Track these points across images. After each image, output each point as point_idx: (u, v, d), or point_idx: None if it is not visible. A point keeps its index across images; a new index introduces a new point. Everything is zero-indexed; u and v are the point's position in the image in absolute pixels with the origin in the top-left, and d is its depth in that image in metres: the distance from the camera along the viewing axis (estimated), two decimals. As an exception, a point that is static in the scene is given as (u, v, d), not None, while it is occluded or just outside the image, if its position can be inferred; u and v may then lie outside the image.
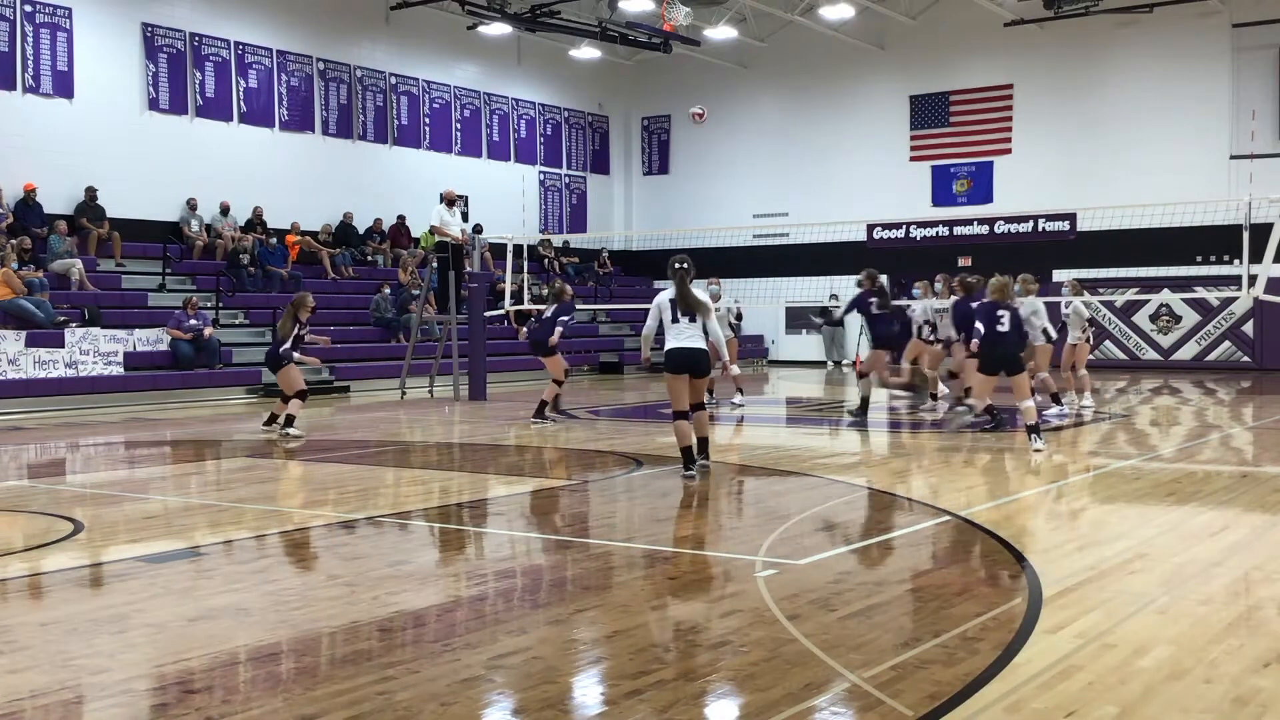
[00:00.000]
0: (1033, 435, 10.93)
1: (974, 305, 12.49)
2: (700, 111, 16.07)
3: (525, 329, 16.70)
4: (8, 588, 6.01)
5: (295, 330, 13.30)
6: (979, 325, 11.59)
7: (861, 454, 11.80)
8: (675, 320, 9.53)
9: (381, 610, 5.32)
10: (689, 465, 9.48)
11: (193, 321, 19.08)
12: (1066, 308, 15.98)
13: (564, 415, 15.63)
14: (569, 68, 30.32)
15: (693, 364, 9.45)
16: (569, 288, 15.99)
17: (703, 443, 9.77)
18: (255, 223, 23.10)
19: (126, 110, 21.80)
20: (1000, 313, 11.46)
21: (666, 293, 9.67)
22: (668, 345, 9.56)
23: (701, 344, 9.48)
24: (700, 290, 9.95)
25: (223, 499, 8.81)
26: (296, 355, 13.54)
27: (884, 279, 14.94)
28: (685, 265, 9.64)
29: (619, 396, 19.45)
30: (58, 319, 17.99)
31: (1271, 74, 24.73)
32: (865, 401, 14.34)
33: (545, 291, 25.36)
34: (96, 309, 18.87)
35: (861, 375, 14.85)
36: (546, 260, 27.98)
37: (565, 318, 14.85)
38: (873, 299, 14.19)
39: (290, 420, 13.16)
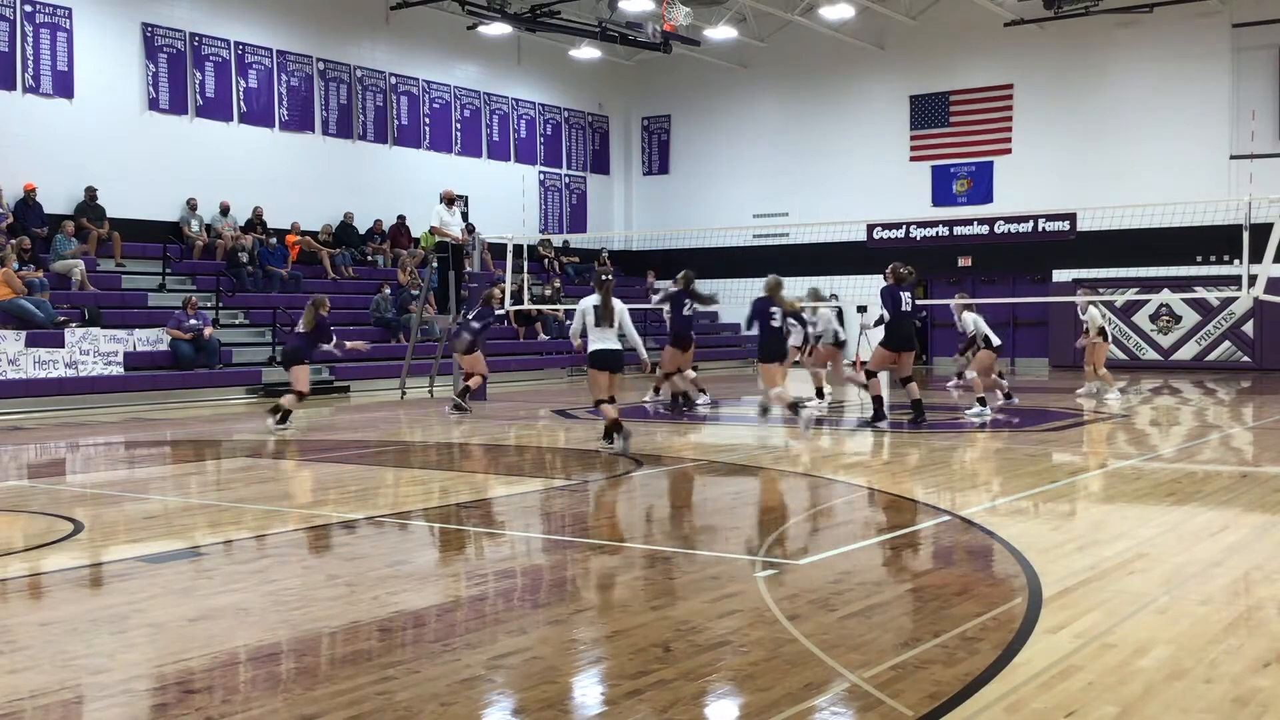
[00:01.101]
0: (795, 410, 12.55)
1: (763, 299, 13.08)
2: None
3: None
4: (8, 588, 6.01)
5: (329, 326, 14.05)
6: (758, 320, 12.91)
7: (861, 454, 11.80)
8: (599, 324, 11.15)
9: (381, 610, 5.32)
10: (610, 438, 11.06)
11: (193, 321, 19.08)
12: (1083, 313, 17.08)
13: (565, 415, 15.63)
14: (569, 68, 30.31)
15: (613, 363, 11.25)
16: (497, 292, 16.45)
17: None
18: (255, 223, 23.09)
19: (126, 110, 21.80)
20: (773, 309, 12.85)
21: (591, 299, 11.25)
22: (592, 346, 11.25)
23: (619, 346, 11.28)
24: (617, 300, 11.43)
25: (223, 499, 8.81)
26: (344, 345, 14.51)
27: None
28: (610, 278, 11.46)
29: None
30: (58, 319, 17.98)
31: (1271, 74, 24.73)
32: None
33: (547, 291, 25.60)
34: (96, 309, 18.85)
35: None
36: (546, 260, 27.98)
37: (480, 323, 15.67)
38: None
39: (286, 414, 13.61)
